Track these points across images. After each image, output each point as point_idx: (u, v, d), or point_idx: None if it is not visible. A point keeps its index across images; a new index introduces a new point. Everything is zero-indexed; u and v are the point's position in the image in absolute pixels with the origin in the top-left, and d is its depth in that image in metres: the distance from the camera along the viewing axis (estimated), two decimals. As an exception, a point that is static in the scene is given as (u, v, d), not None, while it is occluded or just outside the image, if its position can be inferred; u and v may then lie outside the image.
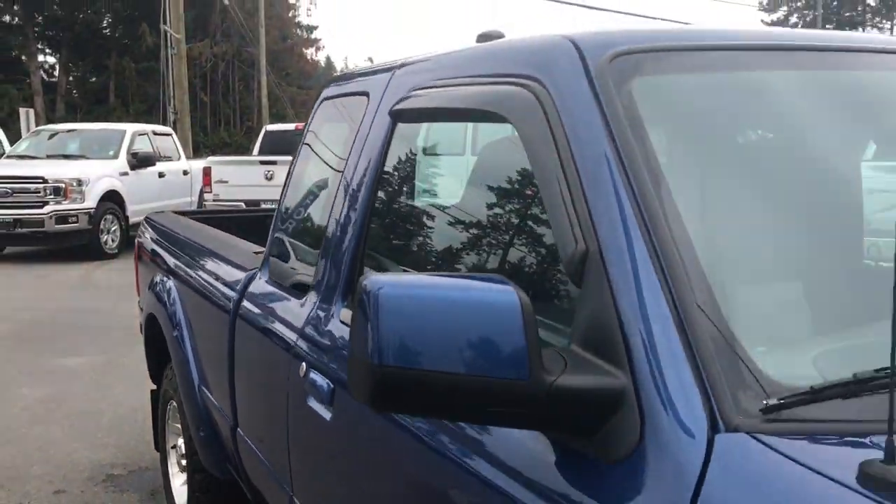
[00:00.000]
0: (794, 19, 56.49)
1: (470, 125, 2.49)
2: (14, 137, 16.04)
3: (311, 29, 53.59)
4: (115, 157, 12.10)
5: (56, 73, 36.05)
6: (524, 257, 1.45)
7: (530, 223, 1.39)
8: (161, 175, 12.65)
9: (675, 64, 1.35)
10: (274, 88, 35.07)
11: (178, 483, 3.27)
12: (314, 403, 1.74)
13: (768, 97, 1.33)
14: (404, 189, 1.89)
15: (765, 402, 0.94)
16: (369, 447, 1.58)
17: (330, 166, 2.15)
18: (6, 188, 10.82)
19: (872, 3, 54.46)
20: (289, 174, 2.41)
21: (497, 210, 1.58)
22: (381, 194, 1.82)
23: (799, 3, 56.15)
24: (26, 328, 6.98)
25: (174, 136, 14.54)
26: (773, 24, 56.42)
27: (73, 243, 11.03)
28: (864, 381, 0.92)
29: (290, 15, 47.87)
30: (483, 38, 1.69)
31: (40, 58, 35.33)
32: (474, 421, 1.20)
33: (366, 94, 2.01)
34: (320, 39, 59.06)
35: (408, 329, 1.00)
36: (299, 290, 2.03)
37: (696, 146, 1.34)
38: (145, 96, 32.36)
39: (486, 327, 1.00)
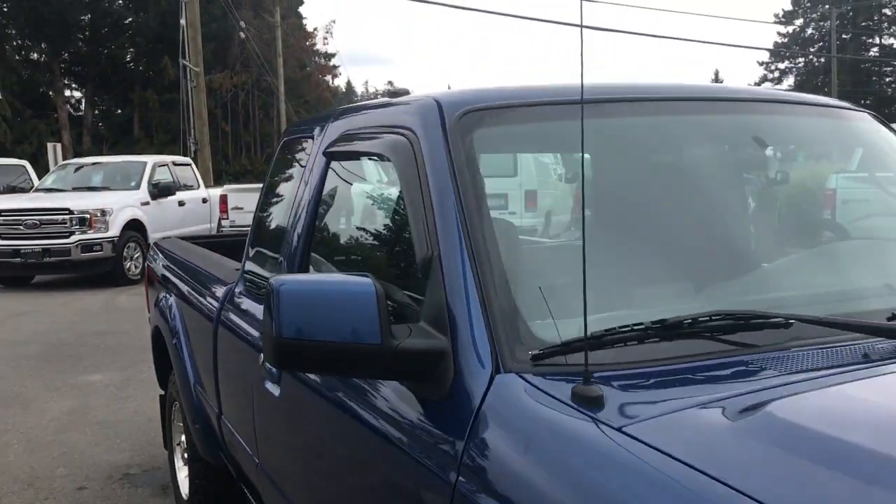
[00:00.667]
0: (810, 31, 56.60)
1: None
2: (42, 171, 16.78)
3: (328, 56, 54.72)
4: (137, 187, 12.73)
5: (82, 107, 37.17)
6: (399, 259, 1.90)
7: (404, 234, 1.83)
8: (181, 203, 13.24)
9: (506, 117, 1.81)
10: (292, 115, 35.91)
11: (183, 476, 3.73)
12: (268, 384, 2.19)
13: (570, 141, 1.77)
14: (334, 211, 2.34)
15: (530, 353, 1.39)
16: (300, 409, 2.06)
17: (287, 194, 2.62)
18: (35, 220, 11.46)
19: (889, 13, 54.41)
20: (258, 201, 2.91)
21: (385, 225, 2.05)
22: (320, 213, 2.28)
23: (815, 15, 56.20)
24: (53, 349, 7.51)
25: (193, 166, 15.18)
26: (789, 35, 56.54)
27: (98, 270, 11.62)
28: (595, 339, 1.36)
29: (308, 44, 48.96)
30: (391, 94, 2.14)
31: (67, 93, 36.50)
32: (347, 375, 1.66)
33: (311, 136, 2.48)
34: (338, 66, 59.83)
35: (298, 311, 1.45)
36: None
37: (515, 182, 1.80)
38: (169, 127, 33.25)
39: (352, 309, 1.45)
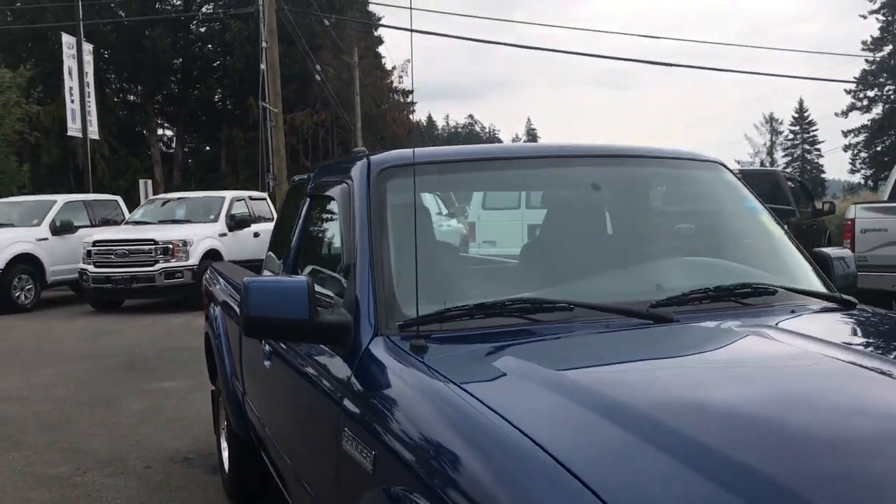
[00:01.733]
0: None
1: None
2: (135, 205, 18.30)
3: (406, 94, 56.34)
4: (216, 220, 13.96)
5: (173, 144, 39.47)
6: (338, 266, 2.71)
7: (343, 250, 2.65)
8: (256, 235, 14.39)
9: (409, 172, 2.61)
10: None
11: (226, 454, 4.60)
12: (265, 362, 3.03)
13: (450, 186, 2.56)
14: (311, 234, 3.19)
15: (397, 324, 2.17)
16: (277, 374, 2.93)
17: (289, 221, 3.49)
18: (124, 249, 12.77)
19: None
20: (275, 227, 3.79)
21: (336, 245, 2.88)
22: (305, 236, 3.13)
23: (903, 42, 55.06)
24: (135, 361, 8.58)
25: (268, 200, 16.40)
26: (877, 62, 55.29)
27: (180, 295, 12.83)
28: (429, 315, 2.14)
29: (387, 82, 50.63)
30: (354, 153, 2.96)
31: (160, 132, 38.82)
32: (289, 339, 2.49)
33: (305, 183, 3.33)
34: (415, 103, 61.38)
35: (259, 298, 2.27)
36: None
37: (409, 215, 2.57)
38: (253, 162, 34.95)
39: (291, 297, 2.25)
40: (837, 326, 2.37)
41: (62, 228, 14.36)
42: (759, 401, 1.63)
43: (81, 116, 20.63)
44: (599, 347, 2.09)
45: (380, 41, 49.79)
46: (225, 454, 4.58)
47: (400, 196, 2.51)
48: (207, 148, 39.70)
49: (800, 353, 1.90)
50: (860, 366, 1.81)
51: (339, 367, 2.27)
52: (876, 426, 1.51)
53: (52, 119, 28.48)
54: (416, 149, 2.58)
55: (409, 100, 57.52)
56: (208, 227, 13.74)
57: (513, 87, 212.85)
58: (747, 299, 2.40)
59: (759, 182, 12.51)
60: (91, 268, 12.97)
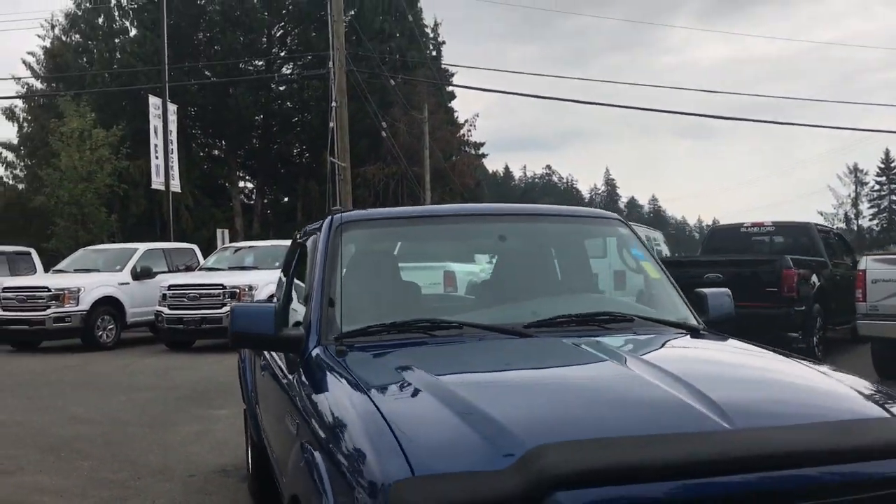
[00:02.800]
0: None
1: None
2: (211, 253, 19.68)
3: (478, 146, 57.65)
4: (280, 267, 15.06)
5: (253, 196, 41.48)
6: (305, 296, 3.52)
7: (305, 284, 3.47)
8: (316, 281, 15.42)
9: (363, 225, 3.43)
10: (437, 203, 38.52)
11: (251, 458, 5.42)
12: (260, 372, 3.86)
13: (389, 240, 3.36)
14: (299, 275, 4.03)
15: (332, 336, 2.96)
16: (264, 380, 3.75)
17: (289, 266, 4.35)
18: (196, 293, 13.95)
19: None
20: (282, 269, 4.65)
21: (306, 281, 3.70)
22: (297, 275, 3.97)
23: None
24: (196, 393, 9.56)
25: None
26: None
27: (244, 336, 13.88)
28: (352, 332, 2.94)
29: (458, 135, 52.05)
30: (332, 211, 3.79)
31: (241, 184, 40.92)
32: (260, 348, 3.34)
33: (300, 235, 4.18)
34: (486, 155, 62.50)
35: (242, 319, 3.09)
36: None
37: (361, 258, 3.38)
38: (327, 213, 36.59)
39: (262, 319, 3.07)
40: (648, 343, 3.02)
41: (142, 274, 15.69)
42: (530, 378, 2.37)
43: (165, 171, 22.32)
44: (461, 352, 2.83)
45: (452, 96, 51.40)
46: (251, 458, 5.41)
47: (352, 244, 3.33)
48: (286, 199, 41.59)
49: (587, 353, 2.63)
50: (626, 367, 2.48)
51: (293, 368, 3.08)
52: (595, 394, 2.25)
53: (141, 172, 30.50)
54: (371, 209, 3.41)
55: (479, 152, 58.91)
56: (273, 273, 14.74)
57: (592, 137, 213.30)
58: (609, 324, 3.11)
59: (794, 234, 12.90)
60: (166, 310, 14.19)
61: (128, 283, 15.53)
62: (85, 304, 14.68)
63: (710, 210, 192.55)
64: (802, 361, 2.78)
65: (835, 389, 2.41)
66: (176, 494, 5.51)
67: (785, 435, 1.93)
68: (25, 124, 36.92)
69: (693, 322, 3.36)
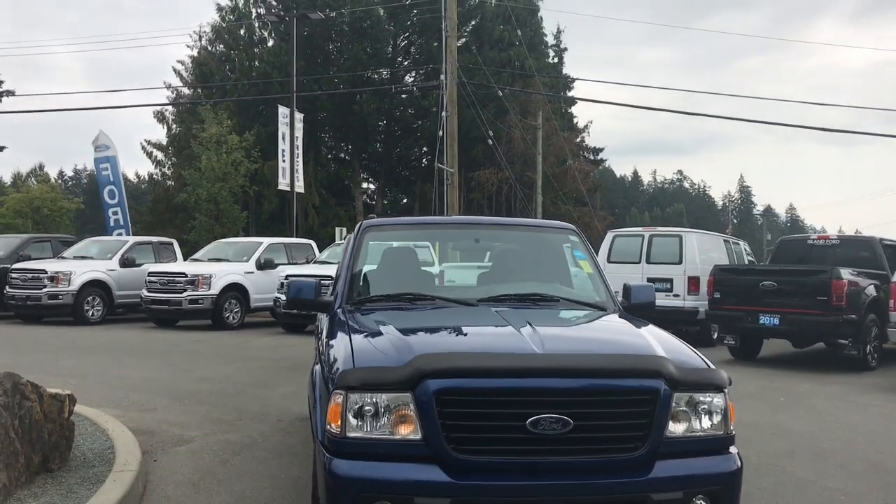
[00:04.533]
0: None
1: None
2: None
3: (596, 151, 58.17)
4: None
5: (375, 196, 43.90)
6: (341, 277, 5.04)
7: (341, 270, 4.98)
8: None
9: (382, 228, 4.94)
10: (549, 206, 39.65)
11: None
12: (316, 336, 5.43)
13: (419, 239, 4.85)
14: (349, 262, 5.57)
15: (350, 302, 4.48)
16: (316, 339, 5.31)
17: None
18: (305, 283, 15.87)
19: None
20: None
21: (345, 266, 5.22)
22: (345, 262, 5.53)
23: None
24: (299, 364, 11.35)
25: (431, 247, 19.12)
26: None
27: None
28: (359, 300, 4.44)
29: (577, 140, 52.84)
30: (367, 216, 5.30)
31: (364, 185, 43.41)
32: (305, 309, 4.85)
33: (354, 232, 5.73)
34: (604, 160, 62.89)
35: (293, 288, 4.68)
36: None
37: (378, 250, 4.87)
38: (442, 214, 38.54)
39: (307, 288, 4.65)
40: (549, 314, 4.34)
41: (265, 265, 17.80)
42: (447, 326, 3.82)
43: (290, 174, 24.65)
44: (422, 313, 4.26)
45: (572, 101, 52.20)
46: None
47: (372, 242, 4.84)
48: (405, 200, 43.84)
49: (496, 316, 4.01)
50: (511, 324, 3.79)
51: (324, 321, 4.61)
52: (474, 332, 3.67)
53: (274, 173, 33.25)
54: (392, 218, 4.92)
55: (598, 157, 59.38)
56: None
57: (727, 142, 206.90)
58: (540, 302, 4.48)
59: (857, 247, 13.52)
60: (283, 297, 16.17)
61: (252, 273, 17.66)
62: (215, 288, 16.91)
63: (851, 220, 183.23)
64: (652, 331, 3.99)
65: (636, 342, 3.71)
66: (265, 431, 7.18)
67: (565, 358, 3.30)
68: (174, 125, 40.66)
69: (609, 304, 4.66)
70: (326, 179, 40.73)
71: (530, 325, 3.72)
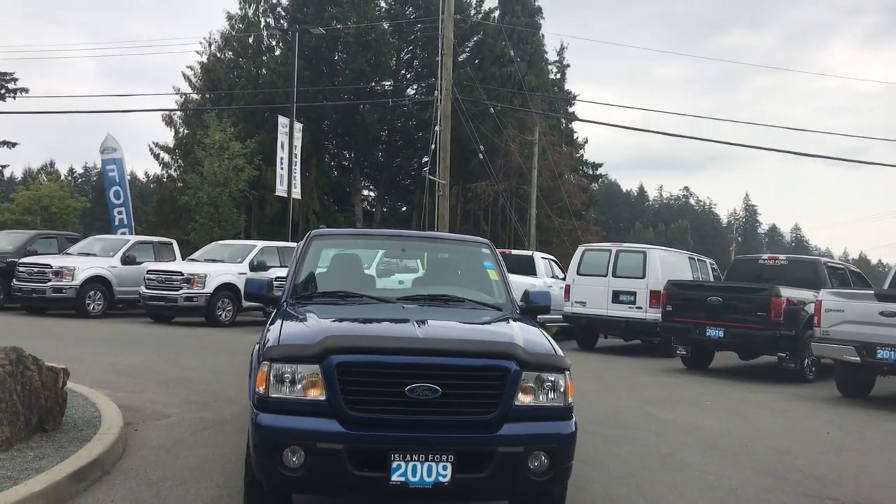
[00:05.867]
0: None
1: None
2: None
3: (596, 166, 59.18)
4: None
5: (374, 204, 45.00)
6: (288, 277, 6.07)
7: (289, 271, 6.02)
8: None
9: (325, 237, 5.98)
10: (543, 219, 40.65)
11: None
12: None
13: (356, 247, 5.92)
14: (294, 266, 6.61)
15: (294, 297, 5.51)
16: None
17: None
18: (260, 281, 16.96)
19: None
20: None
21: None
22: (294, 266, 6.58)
23: None
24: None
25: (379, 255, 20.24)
26: None
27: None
28: (298, 296, 5.48)
29: (577, 155, 53.83)
30: (327, 225, 6.32)
31: (364, 192, 44.52)
32: (262, 303, 5.91)
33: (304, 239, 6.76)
34: (602, 175, 63.87)
35: (250, 285, 5.72)
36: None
37: (319, 255, 5.89)
38: (433, 224, 39.59)
39: (261, 285, 5.70)
40: (449, 311, 5.34)
41: (258, 266, 18.84)
42: (361, 316, 4.88)
43: (288, 181, 25.74)
44: (347, 307, 5.26)
45: (574, 117, 53.23)
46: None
47: (317, 248, 5.86)
48: (403, 208, 44.91)
49: (402, 310, 5.03)
50: (411, 317, 4.78)
51: (272, 314, 5.62)
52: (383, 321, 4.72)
53: (276, 179, 34.45)
54: (336, 229, 5.97)
55: (597, 172, 60.35)
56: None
57: (735, 160, 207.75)
58: (449, 302, 5.49)
59: (803, 268, 14.50)
60: (272, 297, 17.23)
61: (245, 274, 18.68)
62: (209, 287, 17.96)
63: (857, 241, 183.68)
64: (524, 327, 4.96)
65: (502, 332, 4.74)
66: (236, 412, 8.19)
67: (437, 341, 4.33)
68: (181, 129, 41.86)
69: (507, 306, 5.66)
70: (328, 186, 41.84)
71: (425, 318, 4.74)
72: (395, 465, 4.09)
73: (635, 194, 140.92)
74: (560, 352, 4.57)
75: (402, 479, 4.09)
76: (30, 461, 5.37)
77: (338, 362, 4.16)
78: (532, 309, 5.83)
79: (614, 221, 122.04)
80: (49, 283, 18.23)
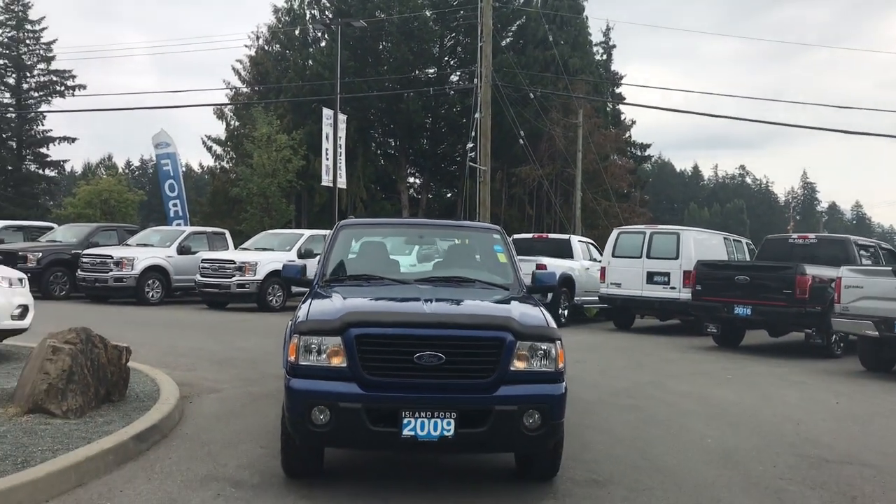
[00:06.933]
0: None
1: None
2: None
3: (644, 147, 59.01)
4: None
5: (420, 191, 45.74)
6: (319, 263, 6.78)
7: (321, 257, 6.72)
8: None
9: (353, 226, 6.68)
10: (589, 202, 40.91)
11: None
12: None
13: (379, 235, 6.62)
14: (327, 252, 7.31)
15: (324, 281, 6.22)
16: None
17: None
18: (294, 266, 17.82)
19: None
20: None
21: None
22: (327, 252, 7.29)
23: None
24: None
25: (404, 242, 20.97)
26: None
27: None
28: (329, 280, 6.18)
29: (624, 137, 53.75)
30: (353, 215, 7.02)
31: (410, 180, 45.31)
32: (297, 285, 6.62)
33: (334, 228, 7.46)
34: (650, 157, 63.60)
35: (286, 270, 6.46)
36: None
37: (351, 243, 6.60)
38: (473, 210, 40.14)
39: (296, 269, 6.43)
40: (462, 291, 5.98)
41: (305, 254, 19.70)
42: (381, 295, 5.57)
43: (333, 171, 26.61)
44: (371, 288, 5.93)
45: (621, 98, 53.13)
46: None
47: (345, 237, 6.56)
48: (448, 195, 45.57)
49: (418, 290, 5.69)
50: (425, 295, 5.47)
51: (306, 294, 6.33)
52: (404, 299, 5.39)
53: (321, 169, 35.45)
54: (364, 219, 6.64)
55: (645, 153, 60.17)
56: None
57: (793, 137, 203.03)
58: (461, 283, 6.14)
59: (833, 246, 14.77)
60: (318, 283, 18.10)
61: (293, 261, 19.57)
62: (260, 274, 18.89)
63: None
64: (522, 304, 5.58)
65: (501, 308, 5.38)
66: (280, 387, 8.94)
67: (441, 315, 4.99)
68: (232, 122, 43.11)
69: (515, 286, 6.28)
70: (374, 174, 42.72)
71: (435, 296, 5.41)
72: (405, 421, 4.77)
73: (689, 174, 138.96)
74: (553, 324, 5.19)
75: (412, 433, 4.77)
76: (100, 425, 6.20)
77: (356, 334, 4.84)
78: (539, 288, 6.45)
79: (668, 202, 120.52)
80: (111, 273, 19.36)
